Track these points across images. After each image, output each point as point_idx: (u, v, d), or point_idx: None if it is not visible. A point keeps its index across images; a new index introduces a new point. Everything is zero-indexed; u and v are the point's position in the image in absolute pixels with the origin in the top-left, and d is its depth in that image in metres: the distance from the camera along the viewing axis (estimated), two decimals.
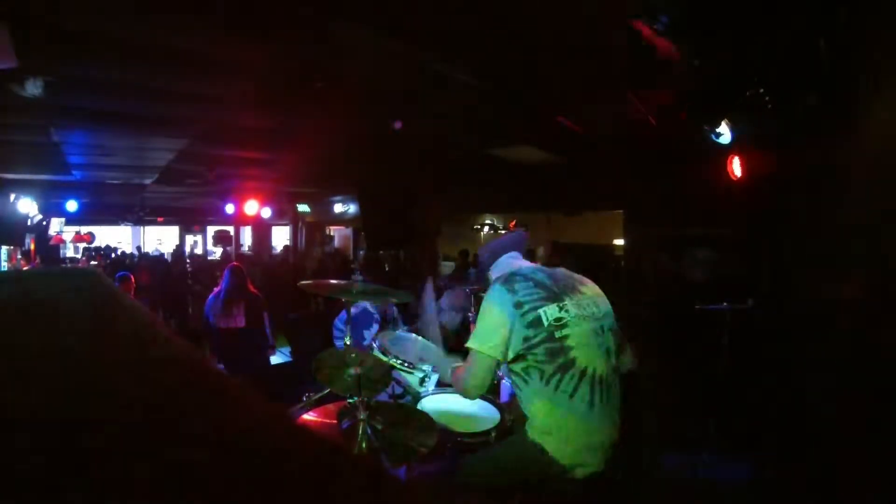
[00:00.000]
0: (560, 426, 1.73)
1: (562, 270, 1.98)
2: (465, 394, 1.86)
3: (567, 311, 1.79)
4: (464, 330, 2.87)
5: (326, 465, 0.31)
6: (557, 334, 1.74)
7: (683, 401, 3.53)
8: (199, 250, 16.93)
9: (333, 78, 3.54)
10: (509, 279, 1.84)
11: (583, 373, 1.74)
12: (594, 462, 1.75)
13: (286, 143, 5.94)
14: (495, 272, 2.03)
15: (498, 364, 1.80)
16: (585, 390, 1.74)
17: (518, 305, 1.75)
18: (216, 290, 4.42)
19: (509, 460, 1.84)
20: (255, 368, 4.38)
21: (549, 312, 1.76)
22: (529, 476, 1.79)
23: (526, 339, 1.74)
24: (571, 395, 1.72)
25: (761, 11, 2.45)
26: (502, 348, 1.75)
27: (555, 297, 1.81)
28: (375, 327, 4.05)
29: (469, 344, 1.80)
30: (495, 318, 1.76)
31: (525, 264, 2.02)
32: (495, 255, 2.08)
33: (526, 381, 1.76)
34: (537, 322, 1.74)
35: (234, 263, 4.61)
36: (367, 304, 3.58)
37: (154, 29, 2.90)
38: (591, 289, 1.96)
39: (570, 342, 1.75)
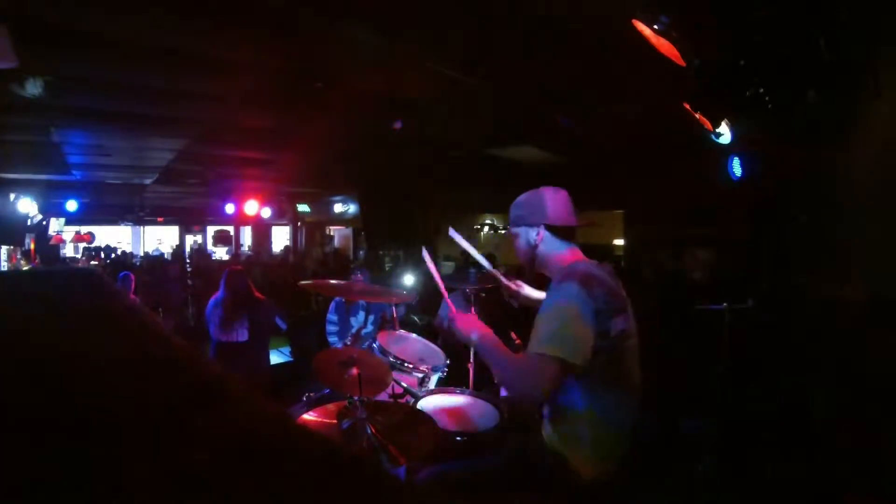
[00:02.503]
0: (600, 440, 1.67)
1: (612, 269, 1.80)
2: (529, 398, 1.65)
3: (630, 321, 1.71)
4: None
5: (326, 465, 0.31)
6: (620, 346, 1.65)
7: (683, 401, 3.53)
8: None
9: (333, 79, 3.54)
10: (587, 281, 1.64)
11: (631, 383, 1.71)
12: (609, 474, 1.71)
13: (286, 143, 5.94)
14: (559, 259, 1.80)
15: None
16: (629, 402, 1.70)
17: (597, 314, 1.59)
18: (215, 296, 3.98)
19: (521, 466, 1.78)
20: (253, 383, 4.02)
21: (619, 323, 1.65)
22: (538, 482, 1.74)
23: (592, 348, 1.61)
24: (617, 408, 1.67)
25: (761, 11, 2.45)
26: (583, 357, 1.54)
27: (624, 306, 1.71)
28: (362, 314, 4.06)
29: (547, 349, 1.53)
30: (580, 323, 1.57)
31: (583, 257, 1.81)
32: (563, 237, 1.80)
33: (579, 385, 1.64)
34: (605, 333, 1.60)
35: (235, 267, 4.12)
36: None
37: (154, 28, 2.90)
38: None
39: (628, 355, 1.69)
